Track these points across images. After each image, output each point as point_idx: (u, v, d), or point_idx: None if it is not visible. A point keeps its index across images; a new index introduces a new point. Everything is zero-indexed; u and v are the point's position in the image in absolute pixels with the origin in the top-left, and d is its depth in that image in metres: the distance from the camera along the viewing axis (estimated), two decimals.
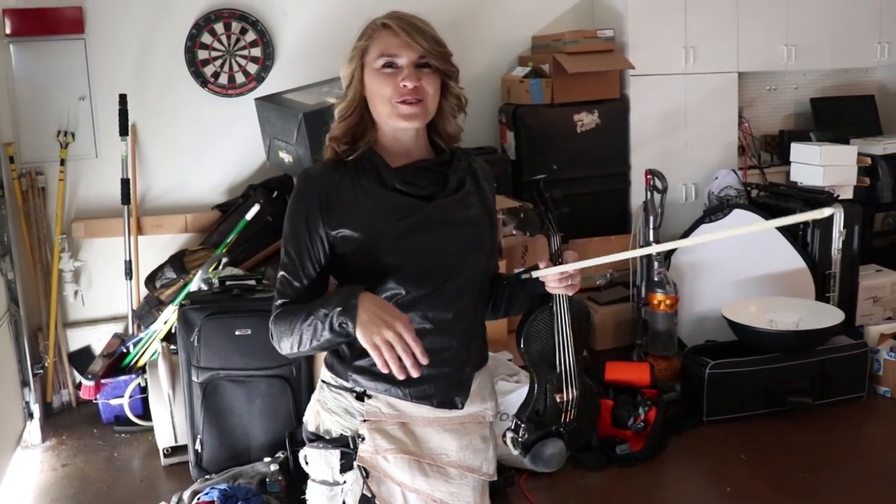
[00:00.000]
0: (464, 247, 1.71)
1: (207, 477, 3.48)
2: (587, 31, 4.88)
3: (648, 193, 4.41)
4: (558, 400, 1.78)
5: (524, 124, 4.87)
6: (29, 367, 4.11)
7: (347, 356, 1.70)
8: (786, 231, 4.58)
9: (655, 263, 4.35)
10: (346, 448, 1.69)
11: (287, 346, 1.63)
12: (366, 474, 1.68)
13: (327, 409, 1.73)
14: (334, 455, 1.70)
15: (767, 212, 4.68)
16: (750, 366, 3.97)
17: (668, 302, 4.29)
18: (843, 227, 4.63)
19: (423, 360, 1.49)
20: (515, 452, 1.78)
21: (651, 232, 4.38)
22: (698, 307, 4.59)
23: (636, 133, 5.02)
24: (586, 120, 4.86)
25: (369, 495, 1.68)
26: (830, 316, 4.19)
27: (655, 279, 4.34)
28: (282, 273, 1.68)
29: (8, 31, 4.27)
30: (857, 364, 4.14)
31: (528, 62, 5.03)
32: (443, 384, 1.70)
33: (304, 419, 1.80)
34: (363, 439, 1.68)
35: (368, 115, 1.72)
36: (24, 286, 4.22)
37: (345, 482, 1.70)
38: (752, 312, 4.24)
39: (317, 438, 1.74)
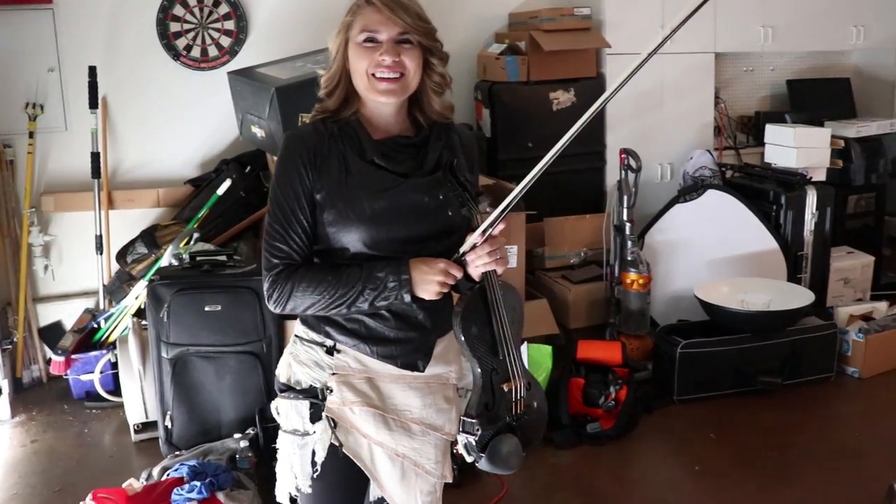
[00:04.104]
0: (433, 228, 1.74)
1: (177, 453, 3.47)
2: (564, 8, 4.85)
3: (623, 173, 4.41)
4: (506, 389, 1.71)
5: (500, 101, 4.85)
6: None
7: None
8: (759, 212, 4.61)
9: (629, 243, 4.37)
10: (315, 399, 1.76)
11: (305, 305, 1.70)
12: (334, 424, 1.74)
13: (299, 361, 1.80)
14: (304, 405, 1.76)
15: (742, 192, 4.70)
16: (721, 345, 4.01)
17: (640, 281, 4.30)
18: (816, 209, 4.66)
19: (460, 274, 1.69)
20: (470, 458, 1.72)
21: (625, 211, 4.39)
22: (672, 286, 4.62)
23: (612, 112, 5.00)
24: (562, 98, 4.85)
25: (337, 444, 1.74)
26: (801, 297, 4.22)
27: (629, 258, 4.35)
28: (276, 232, 1.71)
29: None
30: (827, 345, 4.19)
31: (504, 39, 4.99)
32: (408, 348, 1.77)
33: (277, 371, 1.86)
34: (331, 391, 1.75)
35: (352, 88, 1.75)
36: None
37: (314, 432, 1.75)
38: (724, 292, 4.26)
39: (287, 389, 1.80)
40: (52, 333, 4.48)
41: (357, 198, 1.69)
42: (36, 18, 4.34)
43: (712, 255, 4.60)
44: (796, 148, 4.80)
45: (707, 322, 4.21)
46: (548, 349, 3.82)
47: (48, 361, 4.36)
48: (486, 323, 1.71)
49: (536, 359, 3.76)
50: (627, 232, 4.38)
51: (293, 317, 1.84)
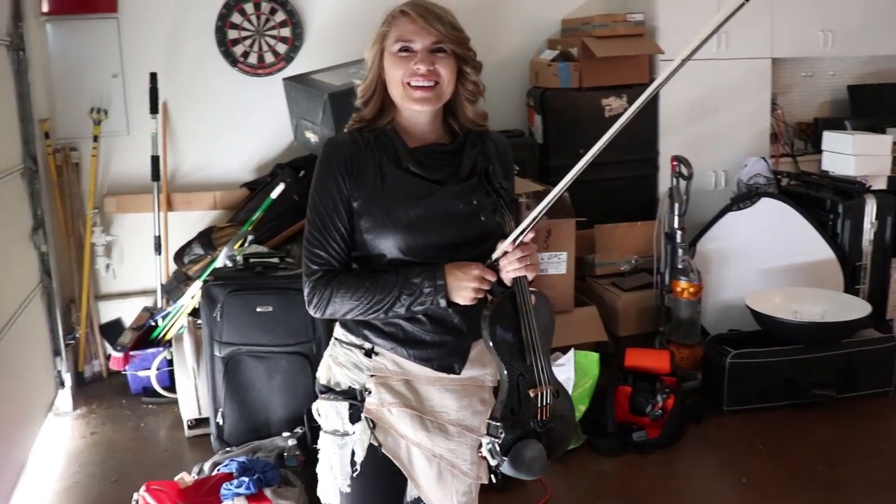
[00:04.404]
0: (467, 234, 1.77)
1: (228, 449, 3.56)
2: (617, 14, 4.83)
3: (674, 180, 4.37)
4: (532, 395, 1.72)
5: (551, 108, 4.86)
6: (61, 337, 4.21)
7: None
8: (815, 221, 4.52)
9: (680, 251, 4.33)
10: (354, 400, 1.80)
11: (344, 310, 1.75)
12: (373, 425, 1.79)
13: (338, 363, 1.85)
14: (343, 406, 1.81)
15: (797, 201, 4.62)
16: (772, 356, 3.94)
17: (691, 290, 4.26)
18: (875, 219, 4.55)
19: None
20: (494, 461, 1.70)
21: (676, 219, 4.35)
22: (724, 295, 4.56)
23: (665, 118, 4.98)
24: (614, 104, 4.83)
25: (376, 444, 1.78)
26: (857, 308, 4.13)
27: (679, 266, 4.31)
28: (315, 239, 1.76)
29: (45, 9, 4.36)
30: (885, 358, 4.07)
31: (557, 45, 4.99)
32: (444, 351, 1.81)
33: (318, 374, 1.91)
34: (369, 392, 1.79)
35: (387, 97, 1.80)
36: (57, 259, 4.32)
37: (354, 432, 1.80)
38: (777, 303, 4.19)
39: (328, 390, 1.85)
40: (112, 330, 4.63)
41: (393, 205, 1.73)
42: (102, 27, 4.50)
43: (765, 264, 4.53)
44: (854, 155, 4.69)
45: (759, 332, 4.14)
46: (595, 356, 3.81)
47: (108, 357, 4.50)
48: (515, 328, 1.72)
49: (584, 366, 3.75)
50: (678, 240, 4.34)
51: None
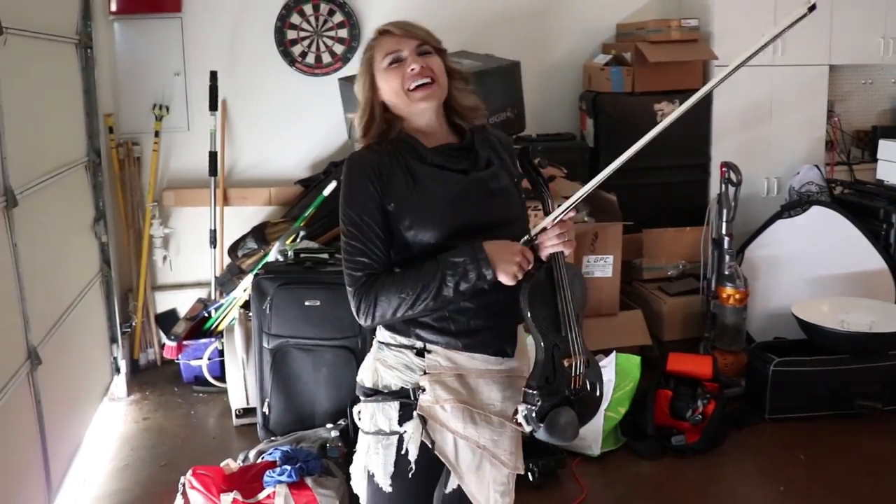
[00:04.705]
0: (503, 212, 1.88)
1: (273, 438, 3.65)
2: (671, 20, 4.81)
3: (723, 186, 4.35)
4: (566, 365, 1.80)
5: (603, 112, 4.87)
6: (118, 324, 4.37)
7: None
8: (867, 230, 4.46)
9: (727, 257, 4.31)
10: (406, 399, 1.84)
11: (392, 308, 1.76)
12: (424, 423, 1.83)
13: (387, 365, 1.88)
14: (393, 407, 1.85)
15: (849, 209, 4.56)
16: (817, 365, 3.90)
17: (737, 296, 4.24)
18: None
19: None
20: (528, 429, 1.78)
21: (724, 225, 4.33)
22: (771, 303, 4.52)
23: (718, 124, 4.93)
24: (667, 110, 4.80)
25: (429, 443, 1.84)
26: None
27: (726, 273, 4.29)
28: (354, 248, 1.81)
29: (113, 8, 4.53)
30: None
31: (610, 50, 5.00)
32: (496, 334, 1.89)
33: (359, 378, 1.94)
34: (424, 390, 1.83)
35: (389, 115, 1.88)
36: (116, 249, 4.48)
37: (404, 431, 1.84)
38: (824, 312, 4.14)
39: (375, 393, 1.88)
40: (167, 320, 4.78)
41: (429, 196, 1.81)
42: (166, 26, 4.66)
43: (814, 272, 4.48)
44: None
45: (805, 341, 4.10)
46: (636, 359, 3.81)
47: (162, 346, 4.63)
48: (552, 301, 1.81)
49: (625, 368, 3.75)
50: (726, 246, 4.32)
51: None
